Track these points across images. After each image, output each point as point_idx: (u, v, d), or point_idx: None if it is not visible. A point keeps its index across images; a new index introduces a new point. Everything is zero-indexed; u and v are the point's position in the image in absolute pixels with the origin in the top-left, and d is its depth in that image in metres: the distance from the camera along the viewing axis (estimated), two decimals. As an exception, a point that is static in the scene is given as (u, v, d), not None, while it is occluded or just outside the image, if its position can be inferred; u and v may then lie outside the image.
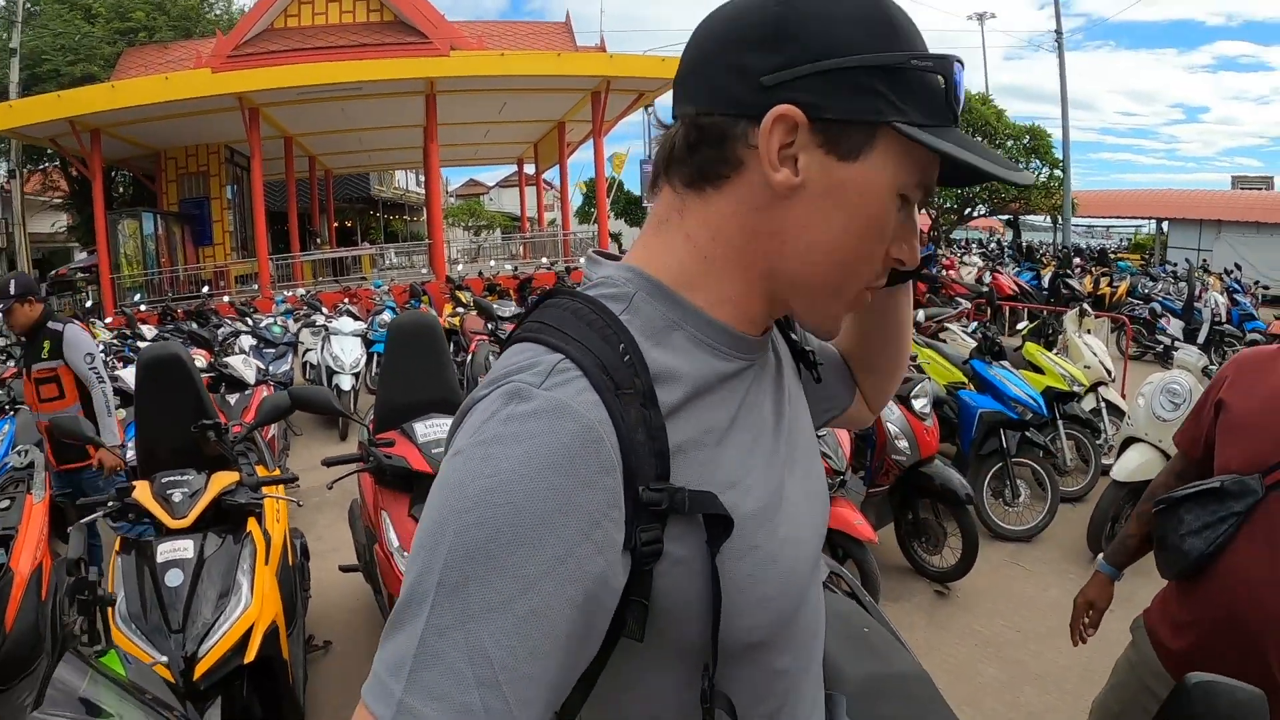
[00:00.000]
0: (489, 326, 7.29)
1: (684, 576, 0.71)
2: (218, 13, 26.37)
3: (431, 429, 3.33)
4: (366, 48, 18.27)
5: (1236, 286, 15.01)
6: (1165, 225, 28.13)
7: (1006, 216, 32.03)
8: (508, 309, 8.43)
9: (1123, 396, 6.93)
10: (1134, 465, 5.03)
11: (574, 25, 23.18)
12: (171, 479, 2.92)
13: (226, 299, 16.16)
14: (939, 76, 0.72)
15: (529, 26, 24.51)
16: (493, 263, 21.22)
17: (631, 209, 39.88)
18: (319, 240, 26.98)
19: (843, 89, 0.70)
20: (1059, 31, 25.41)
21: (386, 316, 9.13)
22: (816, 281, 0.77)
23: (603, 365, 0.69)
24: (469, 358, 7.13)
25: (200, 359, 7.02)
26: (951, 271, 16.67)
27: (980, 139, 26.62)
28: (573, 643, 0.65)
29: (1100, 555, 2.20)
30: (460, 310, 10.12)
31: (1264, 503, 1.63)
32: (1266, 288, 18.75)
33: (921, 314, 9.16)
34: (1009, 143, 29.25)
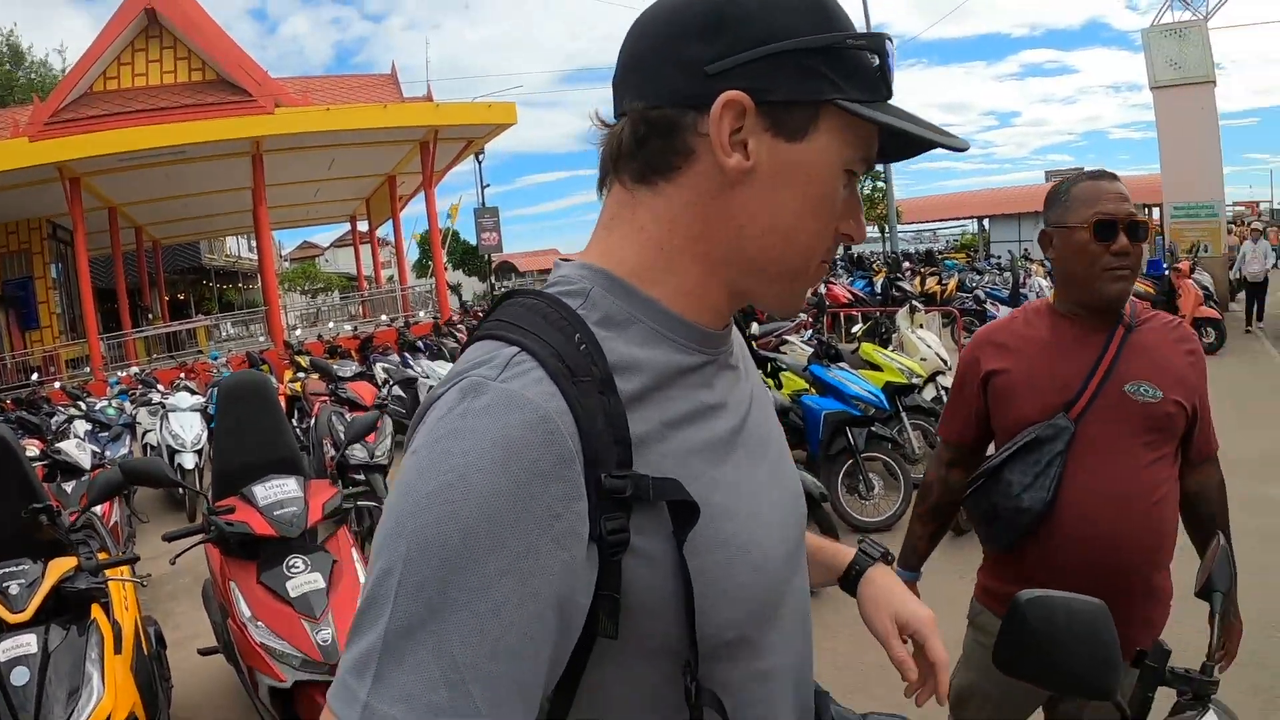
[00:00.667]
0: (330, 387, 7.21)
1: (653, 569, 0.71)
2: (33, 77, 24.99)
3: (272, 490, 3.24)
4: (190, 109, 17.66)
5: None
6: (986, 223, 30.03)
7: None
8: (349, 368, 8.34)
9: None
10: None
11: (401, 76, 23.09)
12: (5, 570, 2.74)
13: (58, 384, 15.14)
14: (872, 54, 0.75)
15: (355, 80, 24.14)
16: (331, 325, 20.73)
17: (469, 258, 39.49)
18: (151, 315, 25.83)
19: (785, 72, 0.73)
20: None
21: (228, 390, 8.89)
22: (775, 263, 0.79)
23: (558, 354, 0.69)
24: (313, 421, 7.04)
25: (32, 448, 6.60)
26: None
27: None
28: (543, 640, 0.65)
29: (893, 564, 2.30)
30: (301, 375, 9.90)
31: (1077, 435, 1.81)
32: None
33: (757, 328, 9.45)
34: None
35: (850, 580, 1.09)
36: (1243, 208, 39.32)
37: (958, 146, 0.78)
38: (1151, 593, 1.84)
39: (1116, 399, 1.80)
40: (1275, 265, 14.59)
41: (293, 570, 2.96)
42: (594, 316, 0.75)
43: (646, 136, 0.76)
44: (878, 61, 0.76)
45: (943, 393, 6.90)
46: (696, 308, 0.80)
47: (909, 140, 0.77)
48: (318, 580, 2.95)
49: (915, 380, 6.67)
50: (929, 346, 7.14)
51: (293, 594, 2.88)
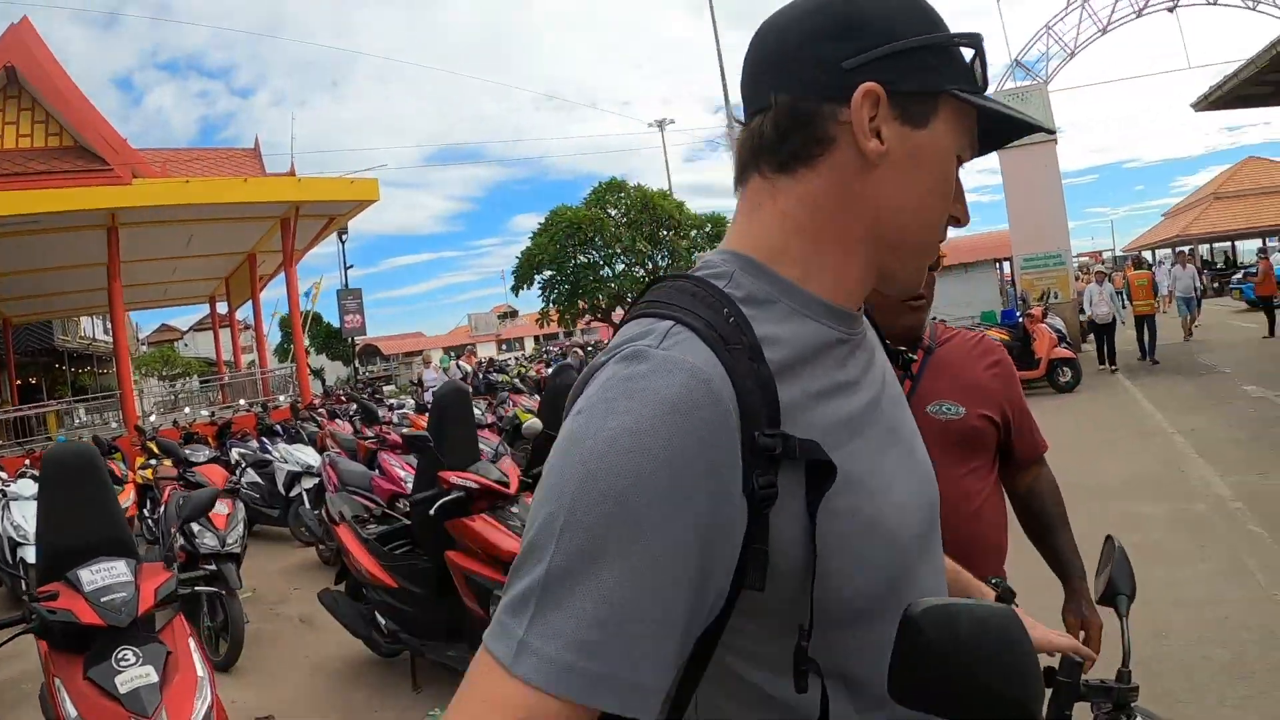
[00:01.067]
0: (180, 472, 6.77)
1: (792, 528, 0.74)
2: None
3: (100, 574, 2.94)
4: (44, 175, 16.37)
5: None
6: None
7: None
8: (201, 453, 7.88)
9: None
10: None
11: (266, 152, 22.37)
12: None
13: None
14: (972, 51, 0.85)
15: (217, 153, 23.27)
16: (187, 410, 19.72)
17: (332, 342, 38.52)
18: (-2, 400, 23.94)
19: (909, 66, 0.81)
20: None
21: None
22: (909, 240, 0.87)
23: (710, 325, 0.75)
24: (162, 509, 6.57)
25: None
26: None
27: (666, 232, 28.09)
28: (695, 590, 0.69)
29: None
30: (153, 462, 9.30)
31: None
32: (944, 320, 21.21)
33: None
34: (693, 232, 31.41)
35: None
36: (1087, 257, 42.23)
37: (1048, 129, 0.93)
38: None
39: (920, 420, 1.83)
40: (1124, 306, 15.78)
41: (122, 663, 2.67)
42: (739, 294, 0.81)
43: (790, 128, 0.83)
44: (976, 57, 0.85)
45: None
46: (833, 289, 0.86)
47: (999, 130, 0.90)
48: (150, 674, 2.65)
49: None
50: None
51: (122, 690, 2.58)
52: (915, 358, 1.94)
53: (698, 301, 0.79)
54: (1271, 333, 16.91)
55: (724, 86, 25.74)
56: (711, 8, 24.52)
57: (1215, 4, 19.16)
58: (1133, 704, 1.29)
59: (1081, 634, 1.86)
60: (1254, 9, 18.67)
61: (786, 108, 0.83)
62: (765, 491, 0.72)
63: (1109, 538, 1.59)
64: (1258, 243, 34.40)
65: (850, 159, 0.82)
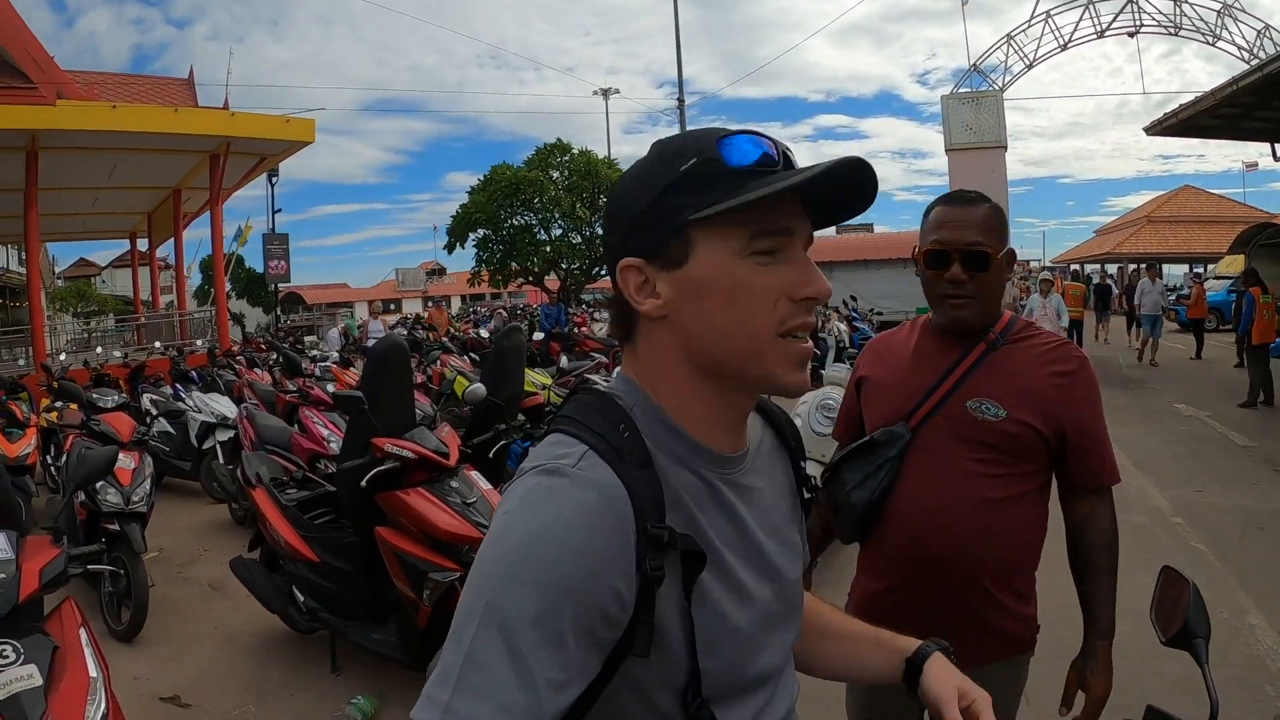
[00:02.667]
0: (84, 419, 6.25)
1: (671, 604, 0.87)
2: None
3: None
4: None
5: (855, 315, 17.09)
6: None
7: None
8: (110, 398, 7.28)
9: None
10: None
11: (200, 88, 21.16)
12: None
13: None
14: (709, 160, 0.89)
15: (148, 80, 22.02)
16: (99, 350, 18.67)
17: (254, 288, 37.27)
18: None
19: (650, 225, 0.91)
20: (681, 101, 27.41)
21: (-37, 418, 7.55)
22: (729, 357, 0.92)
23: (609, 442, 0.89)
24: (65, 458, 6.07)
25: None
26: (584, 329, 18.29)
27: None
28: (590, 653, 0.82)
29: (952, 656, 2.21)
30: (58, 405, 8.67)
31: (913, 444, 1.89)
32: (880, 313, 21.56)
33: (566, 361, 9.98)
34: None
35: (915, 664, 1.17)
36: (1017, 266, 43.24)
37: (824, 172, 0.87)
38: (997, 605, 1.86)
39: (957, 413, 1.86)
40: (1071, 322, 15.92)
41: (0, 662, 2.24)
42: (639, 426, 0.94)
43: (615, 312, 1.00)
44: (715, 163, 0.88)
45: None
46: (706, 429, 0.97)
47: (833, 190, 0.92)
48: (33, 675, 2.23)
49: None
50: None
51: None
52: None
53: (603, 420, 0.92)
54: (1199, 354, 17.14)
55: (679, 59, 25.41)
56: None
57: (1177, 34, 19.47)
58: None
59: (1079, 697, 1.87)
60: (1212, 44, 19.04)
61: (610, 297, 1.01)
62: (655, 573, 0.84)
63: (1166, 569, 1.48)
64: (1184, 268, 35.63)
65: (649, 321, 0.94)
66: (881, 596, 1.96)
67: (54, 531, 2.78)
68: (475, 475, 4.21)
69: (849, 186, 0.93)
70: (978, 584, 1.84)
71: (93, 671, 2.35)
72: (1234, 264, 22.69)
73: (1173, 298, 26.30)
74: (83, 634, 2.46)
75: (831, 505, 2.03)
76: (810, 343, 0.96)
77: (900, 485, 1.89)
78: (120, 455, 5.31)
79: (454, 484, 4.03)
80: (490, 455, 5.67)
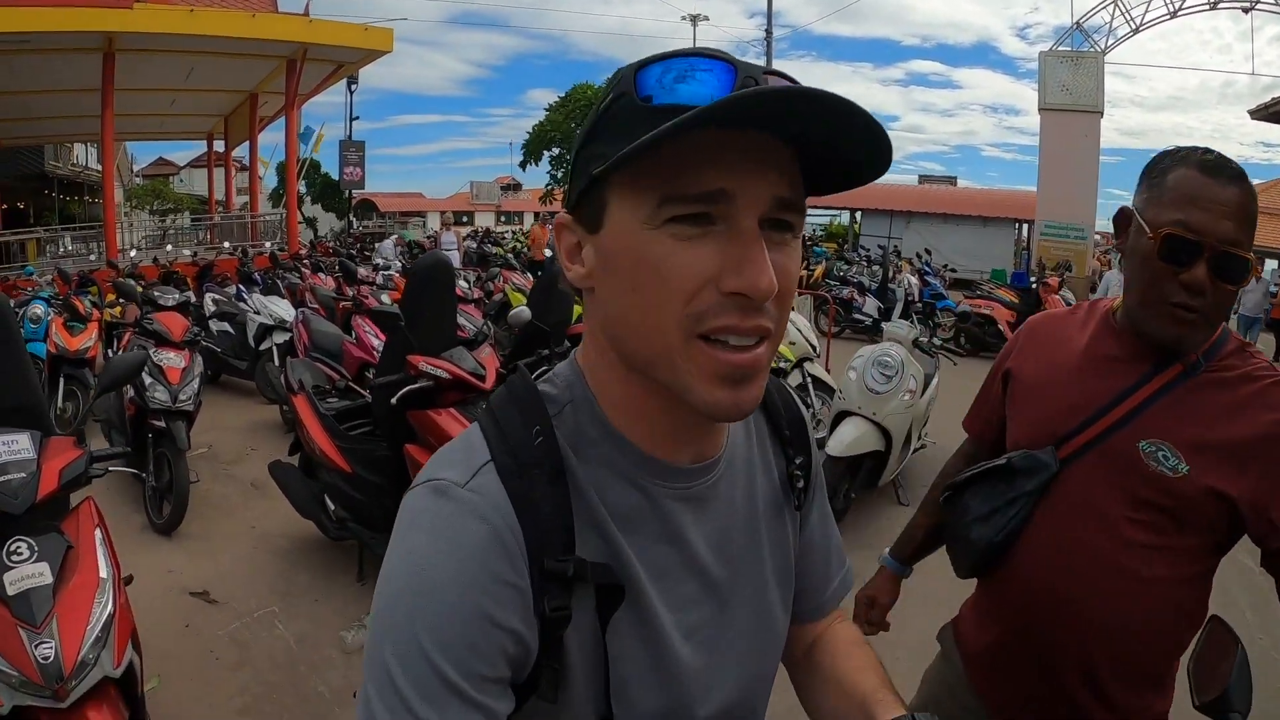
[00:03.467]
0: (139, 317, 6.35)
1: (585, 643, 0.78)
2: None
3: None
4: None
5: (928, 269, 16.68)
6: (859, 215, 30.52)
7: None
8: (170, 296, 7.38)
9: (827, 371, 7.15)
10: (849, 439, 5.09)
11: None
12: None
13: None
14: (622, 95, 0.70)
15: (228, -15, 22.38)
16: (170, 248, 19.06)
17: (330, 193, 37.65)
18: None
19: (575, 175, 0.76)
20: (769, 33, 26.65)
21: (39, 309, 7.74)
22: (637, 348, 0.75)
23: (514, 453, 0.77)
24: (119, 353, 6.22)
25: None
26: None
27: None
28: (501, 696, 0.73)
29: (886, 549, 1.99)
30: (122, 301, 8.86)
31: (1058, 479, 1.47)
32: (954, 270, 21.13)
33: None
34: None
35: None
36: (1098, 236, 42.08)
37: (740, 106, 0.62)
38: (1112, 709, 1.45)
39: (1123, 452, 1.40)
40: None
41: (14, 558, 2.25)
42: (563, 430, 0.81)
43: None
44: (630, 99, 0.69)
45: (809, 380, 6.64)
46: (642, 427, 0.81)
47: (832, 140, 0.68)
48: (43, 573, 2.24)
49: (784, 364, 6.41)
50: (799, 330, 6.79)
51: (9, 590, 2.18)
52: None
53: (519, 421, 0.80)
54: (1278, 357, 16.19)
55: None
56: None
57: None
58: None
59: None
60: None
61: None
62: (556, 614, 0.75)
63: (1215, 620, 1.26)
64: (1273, 264, 34.16)
65: (585, 291, 0.80)
66: (983, 654, 1.66)
67: (77, 434, 2.79)
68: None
69: (852, 136, 0.68)
70: (1094, 678, 1.44)
71: (103, 572, 2.37)
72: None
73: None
74: (97, 534, 2.48)
75: (947, 532, 1.71)
76: (752, 354, 0.72)
77: (1030, 530, 1.51)
78: (170, 354, 5.44)
79: (488, 406, 4.00)
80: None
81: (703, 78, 0.67)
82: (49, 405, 4.15)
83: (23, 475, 2.40)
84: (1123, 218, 1.45)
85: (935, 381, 6.15)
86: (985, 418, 1.75)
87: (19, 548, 2.28)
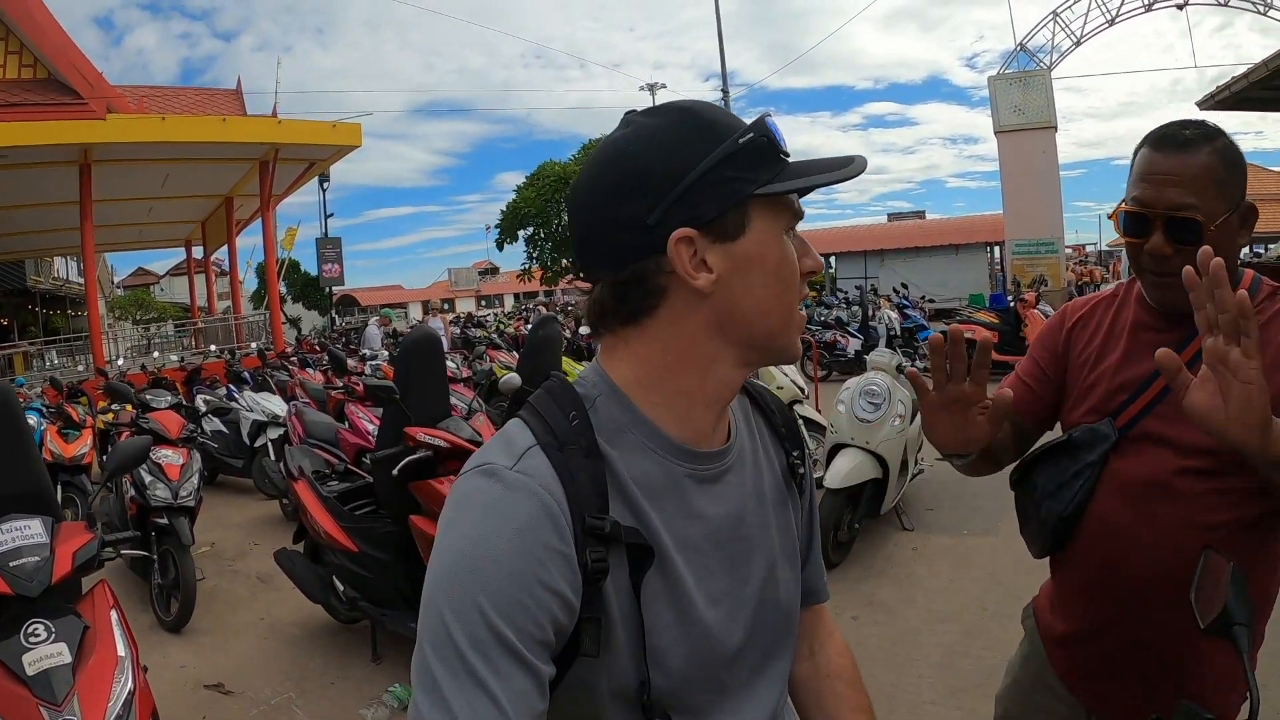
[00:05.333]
0: (134, 417, 6.40)
1: (622, 600, 0.87)
2: None
3: (10, 534, 2.54)
4: (16, 108, 15.67)
5: (906, 303, 16.86)
6: (833, 259, 30.92)
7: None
8: (163, 399, 7.47)
9: (818, 412, 7.24)
10: (845, 470, 5.14)
11: (249, 98, 21.85)
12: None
13: None
14: (762, 137, 0.88)
15: (196, 93, 22.61)
16: (156, 355, 19.11)
17: (310, 291, 37.85)
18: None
19: (705, 194, 0.86)
20: (725, 92, 27.19)
21: (32, 419, 7.75)
22: (768, 332, 0.92)
23: (554, 431, 0.88)
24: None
25: None
26: None
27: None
28: (548, 660, 0.81)
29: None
30: (114, 408, 8.90)
31: (1118, 449, 1.54)
32: (932, 301, 21.36)
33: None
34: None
35: None
36: (1069, 249, 42.72)
37: (852, 174, 0.90)
38: (1199, 657, 1.47)
39: (1175, 412, 1.37)
40: None
41: (32, 640, 2.30)
42: (596, 420, 0.92)
43: (625, 294, 0.90)
44: (767, 140, 0.89)
45: (801, 422, 6.66)
46: (683, 424, 0.94)
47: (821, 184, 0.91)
48: (62, 653, 2.28)
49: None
50: (786, 375, 6.94)
51: (29, 670, 2.22)
52: None
53: (555, 408, 0.91)
54: None
55: (721, 51, 25.20)
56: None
57: (1226, 4, 18.87)
58: None
59: None
60: (1264, 14, 18.43)
61: (615, 280, 0.90)
62: (597, 565, 0.83)
63: (1208, 550, 1.29)
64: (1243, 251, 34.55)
65: (687, 296, 0.89)
66: (1058, 638, 1.70)
67: (89, 518, 2.84)
68: (509, 462, 4.22)
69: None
70: (1179, 629, 1.37)
71: (121, 651, 2.40)
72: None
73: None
74: (113, 615, 2.52)
75: (1020, 516, 1.75)
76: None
77: (1098, 497, 1.56)
78: (168, 451, 5.47)
79: (487, 471, 4.04)
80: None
81: (781, 139, 0.91)
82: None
83: (37, 559, 2.45)
84: (1112, 216, 1.57)
85: (925, 407, 6.21)
86: (1025, 394, 1.73)
87: (37, 629, 2.32)
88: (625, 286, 0.90)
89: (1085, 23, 19.83)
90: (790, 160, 0.92)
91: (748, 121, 0.91)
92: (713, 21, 24.35)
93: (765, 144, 0.88)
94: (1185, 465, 1.46)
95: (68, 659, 2.27)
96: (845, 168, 0.90)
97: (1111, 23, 19.82)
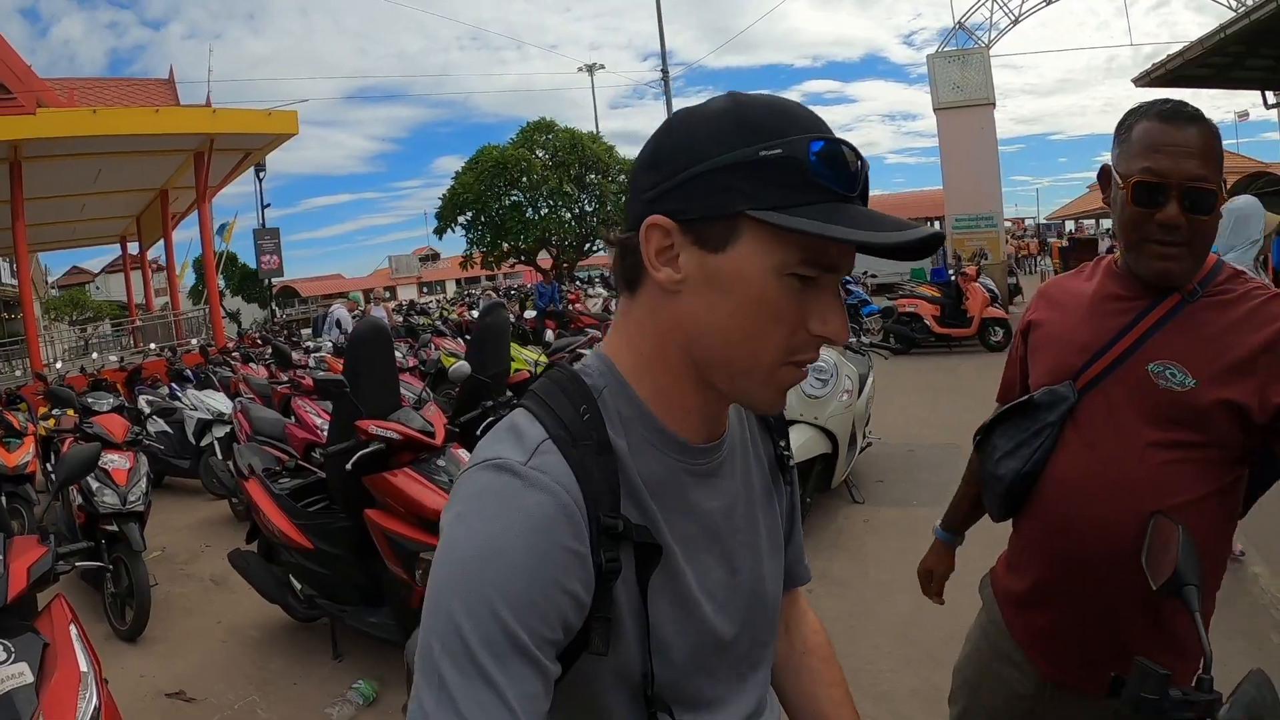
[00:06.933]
0: (78, 422, 6.26)
1: (629, 598, 0.86)
2: None
3: None
4: None
5: (848, 280, 16.92)
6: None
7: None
8: (105, 401, 7.31)
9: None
10: (796, 445, 5.17)
11: (181, 87, 21.27)
12: None
13: None
14: (791, 157, 0.78)
15: (128, 84, 22.00)
16: (95, 355, 18.66)
17: (249, 283, 37.20)
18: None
19: (700, 192, 0.80)
20: (665, 73, 27.16)
21: (-42, 430, 7.54)
22: (723, 363, 0.86)
23: (567, 427, 0.86)
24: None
25: None
26: (577, 305, 18.11)
27: (594, 175, 27.53)
28: (555, 658, 0.80)
29: (937, 522, 2.09)
30: (56, 413, 8.69)
31: (1077, 409, 1.60)
32: (874, 275, 21.57)
33: (551, 337, 10.11)
34: (621, 176, 31.09)
35: None
36: (1009, 223, 43.67)
37: (901, 241, 0.78)
38: (1157, 626, 1.52)
39: (1135, 377, 1.53)
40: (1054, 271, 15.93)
41: None
42: (604, 410, 0.89)
43: (623, 256, 0.89)
44: (798, 163, 0.79)
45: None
46: (680, 418, 0.92)
47: (844, 240, 0.79)
48: (24, 673, 2.24)
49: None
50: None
51: None
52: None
53: (566, 401, 0.88)
54: None
55: (660, 31, 25.15)
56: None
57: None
58: (1218, 716, 1.02)
59: None
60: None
61: (619, 238, 0.89)
62: (610, 565, 0.82)
63: (1157, 515, 1.37)
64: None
65: (658, 287, 0.86)
66: (1018, 594, 1.73)
67: (41, 531, 2.80)
68: (462, 453, 4.22)
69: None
70: (1133, 591, 1.44)
71: (83, 666, 2.36)
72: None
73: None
74: (73, 630, 2.48)
75: (981, 478, 1.80)
76: (806, 370, 0.90)
77: (1057, 457, 1.62)
78: (114, 456, 5.37)
79: (441, 463, 4.04)
80: (478, 433, 5.68)
81: (852, 170, 0.81)
82: (-6, 525, 4.09)
83: None
84: (1103, 174, 1.60)
85: (871, 380, 6.35)
86: (1009, 380, 1.89)
87: None
88: (623, 250, 0.89)
89: (1023, 0, 20.09)
90: (847, 202, 0.81)
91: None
92: (648, 2, 24.24)
93: (794, 166, 0.79)
94: (1147, 432, 1.51)
95: (30, 678, 2.23)
96: (892, 231, 0.78)
97: (1050, 1, 20.09)
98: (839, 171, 0.80)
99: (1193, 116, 1.47)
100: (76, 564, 2.83)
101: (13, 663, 2.26)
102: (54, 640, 2.42)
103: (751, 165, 0.79)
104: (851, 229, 0.77)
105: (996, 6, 20.06)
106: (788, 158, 0.79)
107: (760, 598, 1.03)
